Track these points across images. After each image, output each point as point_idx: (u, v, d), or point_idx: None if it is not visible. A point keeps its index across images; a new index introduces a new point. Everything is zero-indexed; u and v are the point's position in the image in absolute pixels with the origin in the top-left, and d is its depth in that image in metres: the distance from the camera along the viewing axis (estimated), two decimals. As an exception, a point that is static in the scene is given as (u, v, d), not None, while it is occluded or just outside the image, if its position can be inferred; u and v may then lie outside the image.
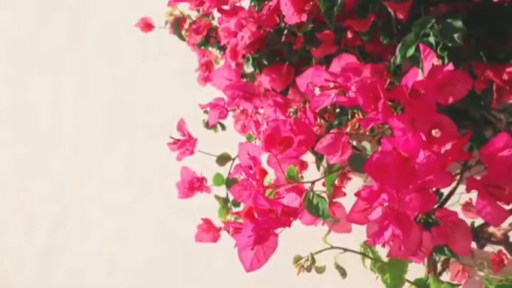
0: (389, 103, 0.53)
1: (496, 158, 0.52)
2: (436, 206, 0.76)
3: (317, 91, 0.56)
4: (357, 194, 0.52)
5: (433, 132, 0.50)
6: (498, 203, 0.53)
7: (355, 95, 0.53)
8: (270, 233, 0.54)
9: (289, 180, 0.57)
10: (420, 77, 0.53)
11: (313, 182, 0.59)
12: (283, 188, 0.58)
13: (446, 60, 0.62)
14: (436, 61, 0.53)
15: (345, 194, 0.73)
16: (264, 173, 0.60)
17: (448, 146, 0.49)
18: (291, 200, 0.57)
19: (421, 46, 0.55)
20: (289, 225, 0.55)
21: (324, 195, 0.59)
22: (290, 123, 0.57)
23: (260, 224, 0.53)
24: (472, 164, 0.79)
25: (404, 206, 0.50)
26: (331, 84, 0.56)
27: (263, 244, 0.54)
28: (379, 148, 0.52)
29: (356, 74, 0.54)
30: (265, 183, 0.58)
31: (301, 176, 0.64)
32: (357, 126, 0.65)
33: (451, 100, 0.53)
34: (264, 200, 0.54)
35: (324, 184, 0.64)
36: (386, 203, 0.51)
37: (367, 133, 0.60)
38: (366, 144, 0.59)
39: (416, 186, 0.49)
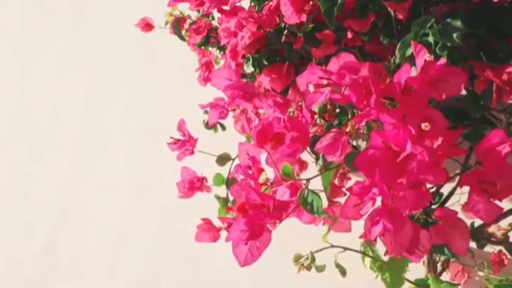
0: (385, 101, 0.53)
1: (491, 154, 0.52)
2: (436, 206, 0.76)
3: (311, 88, 0.56)
4: (349, 189, 0.53)
5: (423, 125, 0.50)
6: (491, 199, 0.53)
7: (348, 92, 0.53)
8: (263, 228, 0.54)
9: (285, 177, 0.57)
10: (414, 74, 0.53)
11: (308, 180, 0.59)
12: (279, 185, 0.58)
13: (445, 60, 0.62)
14: (428, 57, 0.53)
15: (344, 194, 0.73)
16: (260, 170, 0.60)
17: (439, 141, 0.49)
18: (281, 194, 0.57)
19: (412, 43, 0.55)
20: (281, 220, 0.55)
21: (322, 193, 0.59)
22: (284, 120, 0.57)
23: (252, 218, 0.54)
24: (472, 164, 0.79)
25: (397, 201, 0.50)
26: (325, 82, 0.56)
27: (257, 239, 0.54)
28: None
29: (353, 73, 0.54)
30: (261, 180, 0.58)
31: (298, 174, 0.64)
32: (356, 126, 0.65)
33: (445, 96, 0.53)
34: (256, 195, 0.54)
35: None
36: (379, 199, 0.51)
37: (364, 131, 0.61)
38: (362, 143, 0.59)
39: (409, 182, 0.50)
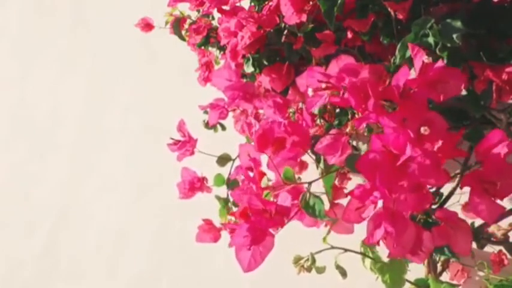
0: (385, 103, 0.53)
1: (491, 154, 0.52)
2: (436, 206, 0.76)
3: (310, 92, 0.56)
4: (350, 193, 0.53)
5: (422, 129, 0.50)
6: (492, 199, 0.53)
7: (347, 96, 0.53)
8: (266, 233, 0.54)
9: (286, 181, 0.57)
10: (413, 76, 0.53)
11: (309, 183, 0.59)
12: (281, 190, 0.58)
13: (445, 61, 0.62)
14: (426, 58, 0.53)
15: (346, 195, 0.72)
16: (262, 174, 0.60)
17: (439, 143, 0.49)
18: (283, 199, 0.57)
19: (409, 46, 0.55)
20: (283, 225, 0.55)
21: (324, 196, 0.59)
22: (284, 125, 0.57)
23: (254, 224, 0.54)
24: (472, 164, 0.79)
25: (398, 204, 0.51)
26: (323, 85, 0.56)
27: (259, 244, 0.54)
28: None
29: (354, 75, 0.54)
30: (263, 185, 0.58)
31: (299, 178, 0.64)
32: (356, 126, 0.65)
33: (444, 97, 0.53)
34: (258, 201, 0.54)
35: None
36: (381, 201, 0.51)
37: (365, 133, 0.61)
38: (363, 146, 0.59)
39: (410, 185, 0.50)
